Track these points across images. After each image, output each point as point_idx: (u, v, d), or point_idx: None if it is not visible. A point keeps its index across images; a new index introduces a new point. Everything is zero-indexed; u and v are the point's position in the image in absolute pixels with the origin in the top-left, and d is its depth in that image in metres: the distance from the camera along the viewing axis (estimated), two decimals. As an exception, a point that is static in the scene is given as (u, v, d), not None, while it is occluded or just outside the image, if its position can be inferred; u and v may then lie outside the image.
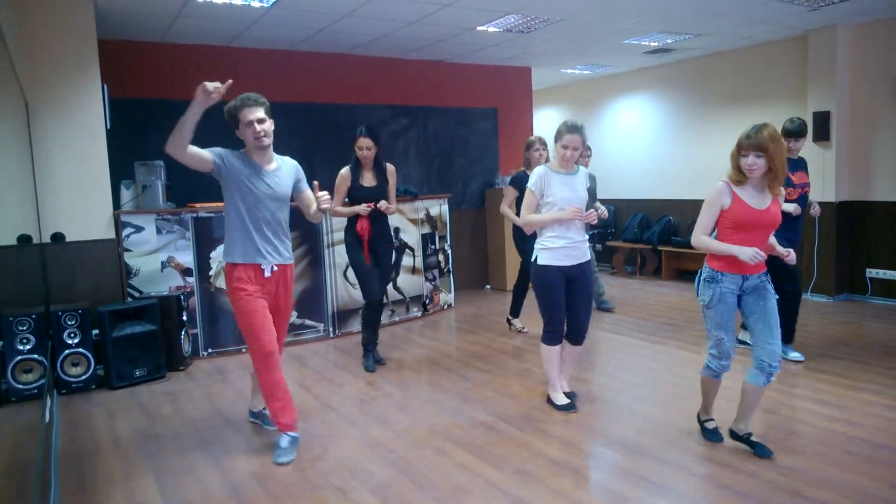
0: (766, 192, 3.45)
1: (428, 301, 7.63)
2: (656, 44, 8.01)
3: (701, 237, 3.54)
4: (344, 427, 4.22)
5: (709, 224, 3.53)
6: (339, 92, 8.04)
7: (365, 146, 5.22)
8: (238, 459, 3.77)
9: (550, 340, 4.32)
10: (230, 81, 3.29)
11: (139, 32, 6.55)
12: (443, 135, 8.91)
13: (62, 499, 3.39)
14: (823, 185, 7.45)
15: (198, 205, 6.02)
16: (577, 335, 4.37)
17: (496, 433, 4.02)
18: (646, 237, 9.57)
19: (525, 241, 5.45)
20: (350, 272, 6.72)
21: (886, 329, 6.23)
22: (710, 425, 3.84)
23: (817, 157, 7.42)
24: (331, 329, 6.62)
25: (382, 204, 5.23)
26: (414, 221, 7.41)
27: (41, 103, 5.33)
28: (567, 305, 4.27)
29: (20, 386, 4.45)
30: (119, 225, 5.66)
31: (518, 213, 5.10)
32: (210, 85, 3.20)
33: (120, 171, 6.00)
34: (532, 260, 4.27)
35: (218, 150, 3.68)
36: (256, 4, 5.77)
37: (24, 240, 4.16)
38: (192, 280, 5.90)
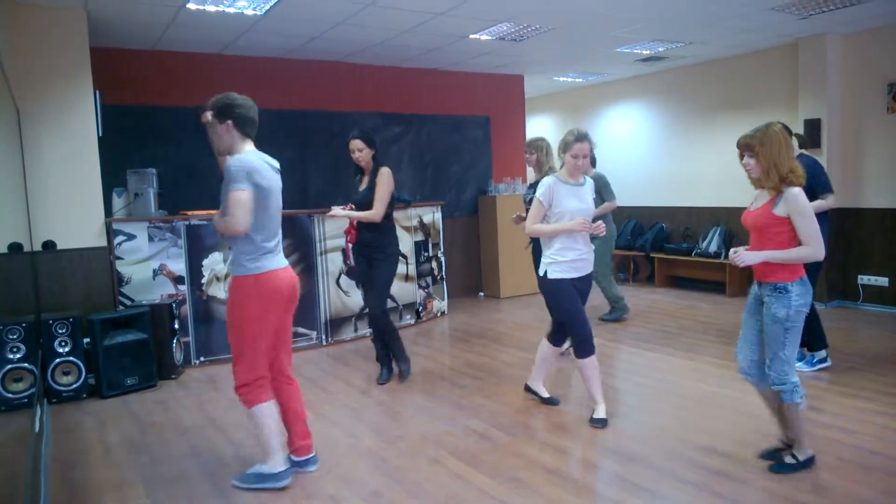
0: (765, 192, 3.41)
1: (421, 308, 7.62)
2: (648, 52, 8.05)
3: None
4: (337, 435, 4.20)
5: None
6: (332, 100, 8.04)
7: (355, 148, 5.08)
8: (229, 468, 3.75)
9: (587, 351, 4.17)
10: None
11: (132, 40, 6.54)
12: (436, 142, 8.92)
13: (52, 509, 3.36)
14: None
15: (190, 212, 6.00)
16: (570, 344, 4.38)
17: (489, 441, 4.01)
18: (639, 244, 9.59)
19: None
20: (343, 279, 6.71)
21: (878, 336, 6.25)
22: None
23: (808, 164, 7.46)
24: (324, 337, 6.60)
25: (333, 209, 5.06)
26: (407, 229, 7.41)
27: (33, 110, 5.32)
28: None
29: (10, 395, 4.42)
30: (111, 233, 5.63)
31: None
32: None
33: (112, 179, 5.97)
34: (542, 275, 4.22)
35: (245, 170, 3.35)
36: (249, 13, 5.77)
37: (15, 248, 4.14)
38: (184, 288, 5.87)
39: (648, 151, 9.88)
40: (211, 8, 5.58)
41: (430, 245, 7.79)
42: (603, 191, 6.50)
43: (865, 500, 3.13)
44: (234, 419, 4.51)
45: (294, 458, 3.64)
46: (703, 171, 9.09)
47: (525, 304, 8.32)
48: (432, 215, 7.85)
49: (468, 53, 7.84)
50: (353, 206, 5.10)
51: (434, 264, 7.85)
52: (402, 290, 7.34)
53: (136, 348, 5.27)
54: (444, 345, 6.59)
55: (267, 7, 5.62)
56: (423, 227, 7.67)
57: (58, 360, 5.01)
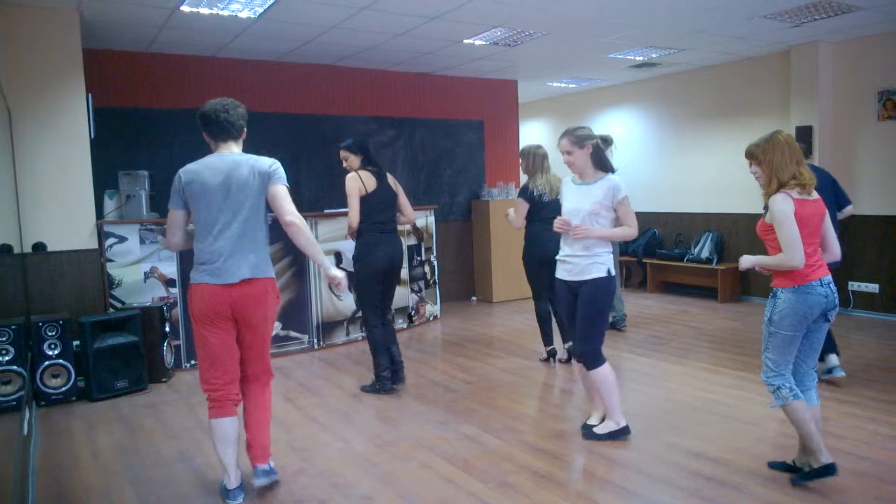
0: None
1: (414, 313, 7.61)
2: (641, 58, 8.08)
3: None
4: (328, 439, 4.19)
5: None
6: (326, 103, 8.04)
7: (342, 158, 5.08)
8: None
9: (597, 362, 3.99)
10: None
11: (125, 42, 6.53)
12: (429, 146, 8.93)
13: (39, 513, 3.34)
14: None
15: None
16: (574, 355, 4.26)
17: (481, 446, 4.00)
18: (630, 249, 9.61)
19: None
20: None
21: (868, 342, 6.28)
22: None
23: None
24: (315, 341, 6.58)
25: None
26: (400, 233, 7.39)
27: (24, 112, 5.29)
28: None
29: (-2, 398, 4.39)
30: (102, 235, 5.61)
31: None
32: None
33: (104, 181, 5.96)
34: None
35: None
36: (243, 16, 5.77)
37: (6, 249, 4.12)
38: (175, 291, 5.85)
39: (641, 157, 9.91)
40: (205, 10, 5.58)
41: (422, 249, 7.78)
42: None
43: (856, 505, 3.14)
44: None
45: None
46: (695, 177, 9.13)
47: (517, 309, 8.31)
48: (425, 219, 7.84)
49: (462, 58, 7.86)
50: None
51: (427, 268, 7.85)
52: (395, 294, 7.29)
53: (126, 351, 5.24)
54: (437, 349, 6.58)
55: (261, 10, 5.62)
56: (416, 230, 7.66)
57: (47, 362, 4.98)
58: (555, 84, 10.01)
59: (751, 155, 3.37)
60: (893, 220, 7.24)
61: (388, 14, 5.87)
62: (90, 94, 5.60)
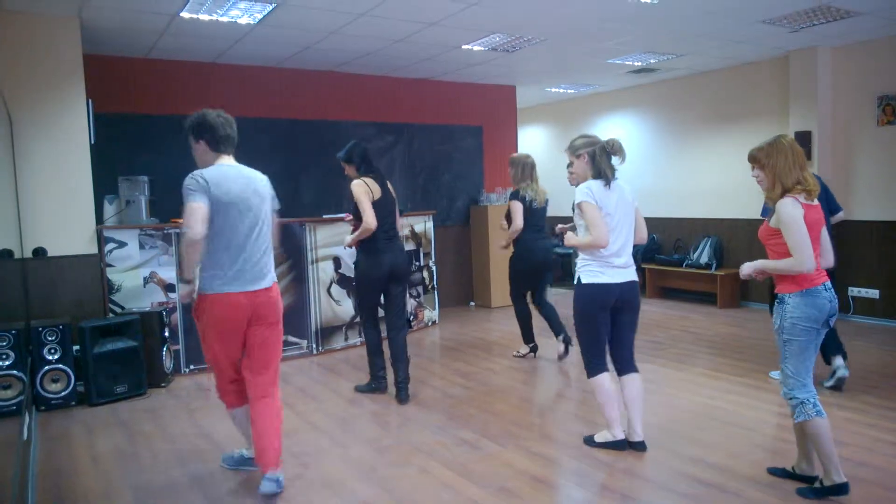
0: None
1: (412, 318, 7.61)
2: (640, 64, 8.10)
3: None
4: (326, 445, 4.19)
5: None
6: (325, 109, 8.06)
7: (343, 166, 5.13)
8: (218, 478, 3.73)
9: (591, 371, 3.99)
10: None
11: (125, 48, 6.55)
12: (428, 152, 8.94)
13: (38, 518, 3.34)
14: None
15: (181, 220, 5.98)
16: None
17: (479, 451, 4.00)
18: (630, 255, 9.60)
19: None
20: (334, 288, 6.70)
21: (868, 347, 6.28)
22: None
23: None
24: (314, 346, 6.58)
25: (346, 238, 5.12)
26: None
27: (25, 117, 5.30)
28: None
29: (-2, 403, 4.39)
30: (102, 240, 5.61)
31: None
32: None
33: (104, 186, 5.97)
34: None
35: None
36: (243, 22, 5.79)
37: (6, 254, 4.14)
38: (174, 296, 5.85)
39: (640, 162, 9.91)
40: (205, 17, 5.60)
41: (421, 254, 7.79)
42: None
43: (854, 511, 3.14)
44: (223, 428, 4.48)
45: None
46: (694, 182, 9.14)
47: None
48: (424, 224, 7.85)
49: (461, 63, 7.88)
50: (352, 216, 5.07)
51: (425, 273, 7.85)
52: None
53: (125, 356, 5.24)
54: (435, 354, 6.58)
55: (260, 16, 5.64)
56: (414, 236, 7.67)
57: (47, 367, 4.98)
58: (553, 89, 10.03)
59: (754, 159, 3.36)
60: (893, 226, 7.25)
61: (386, 20, 5.89)
62: (90, 100, 5.62)
